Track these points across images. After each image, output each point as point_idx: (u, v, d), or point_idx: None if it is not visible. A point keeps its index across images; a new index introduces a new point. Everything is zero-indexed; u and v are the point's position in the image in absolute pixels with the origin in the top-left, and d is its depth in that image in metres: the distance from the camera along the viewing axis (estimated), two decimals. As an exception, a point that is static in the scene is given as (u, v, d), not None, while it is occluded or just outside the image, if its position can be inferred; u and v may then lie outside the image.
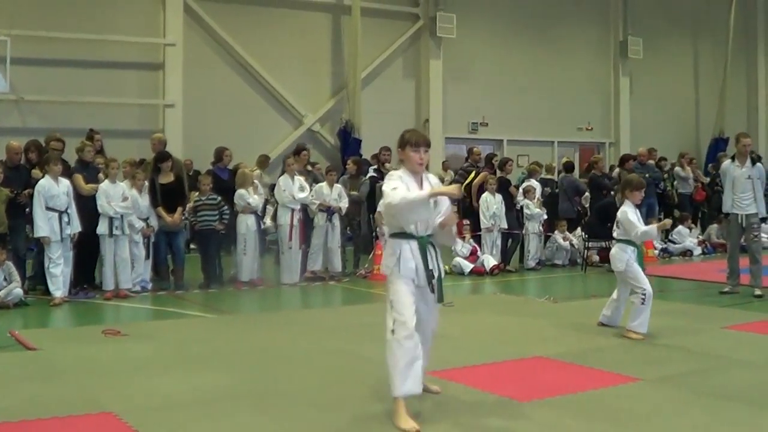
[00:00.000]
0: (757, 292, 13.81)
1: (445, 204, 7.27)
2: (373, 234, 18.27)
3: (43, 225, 13.50)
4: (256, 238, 15.82)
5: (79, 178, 14.67)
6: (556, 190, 21.02)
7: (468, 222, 18.18)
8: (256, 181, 16.59)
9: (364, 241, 18.38)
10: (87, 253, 14.74)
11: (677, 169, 24.28)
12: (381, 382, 7.66)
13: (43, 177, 13.86)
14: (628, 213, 10.63)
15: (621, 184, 12.04)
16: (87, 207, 14.27)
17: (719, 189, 23.67)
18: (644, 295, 10.36)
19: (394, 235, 7.22)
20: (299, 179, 16.17)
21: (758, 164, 14.46)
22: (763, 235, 22.08)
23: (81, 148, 15.31)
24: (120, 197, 14.45)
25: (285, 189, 16.04)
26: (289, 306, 14.26)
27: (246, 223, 15.80)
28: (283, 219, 16.07)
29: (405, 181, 7.07)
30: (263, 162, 21.05)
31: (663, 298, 13.19)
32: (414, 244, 7.08)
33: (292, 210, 15.96)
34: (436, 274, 7.14)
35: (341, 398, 7.62)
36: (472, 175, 19.71)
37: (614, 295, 11.02)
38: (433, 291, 7.12)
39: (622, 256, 10.60)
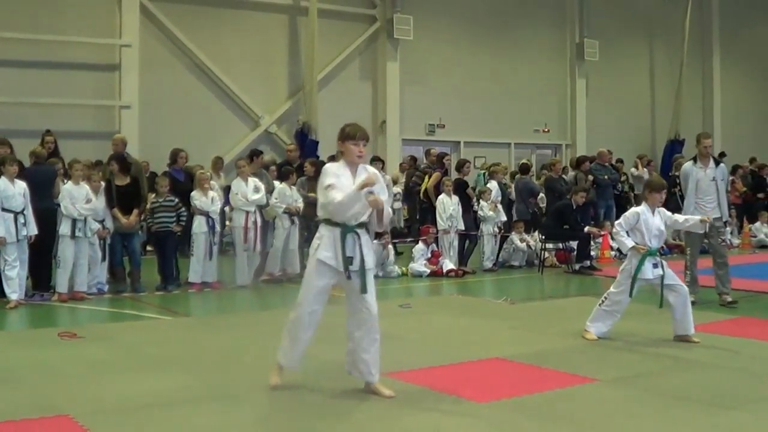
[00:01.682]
0: (729, 299, 13.45)
1: (382, 193, 7.66)
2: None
3: (-1, 226, 13.41)
4: (207, 240, 15.74)
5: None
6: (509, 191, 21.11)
7: (434, 230, 18.15)
8: (213, 183, 16.51)
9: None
10: (41, 255, 14.63)
11: (632, 169, 24.44)
12: (339, 384, 7.69)
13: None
14: (628, 217, 10.53)
15: (643, 186, 11.60)
16: (42, 208, 14.15)
17: (676, 191, 23.89)
18: (609, 301, 10.36)
19: (322, 221, 7.73)
20: (253, 180, 16.13)
21: (721, 165, 14.13)
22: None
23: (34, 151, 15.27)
24: (84, 199, 14.35)
25: (237, 192, 16.01)
26: (247, 308, 14.24)
27: (196, 225, 15.77)
28: (237, 221, 16.05)
29: (340, 173, 7.64)
30: (216, 164, 21.04)
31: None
32: (338, 232, 7.57)
33: (247, 212, 15.91)
34: (357, 263, 7.57)
35: (297, 399, 7.64)
36: (427, 177, 19.82)
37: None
38: (349, 278, 7.57)
39: (630, 261, 10.45)
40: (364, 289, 7.68)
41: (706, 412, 7.28)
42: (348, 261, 7.53)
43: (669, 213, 10.66)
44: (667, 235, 21.88)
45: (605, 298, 10.45)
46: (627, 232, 10.42)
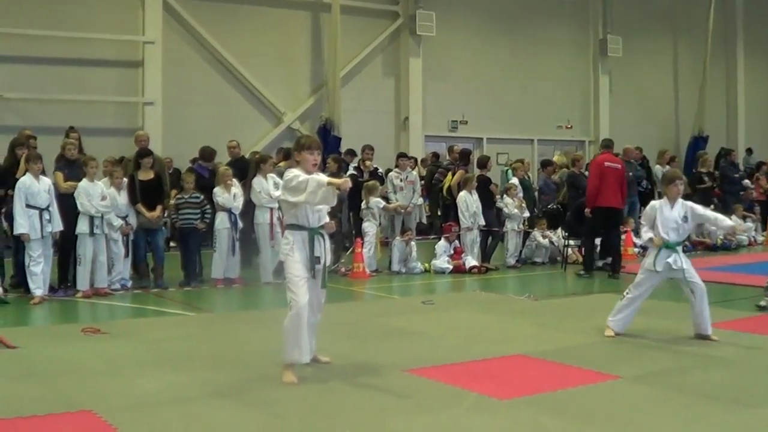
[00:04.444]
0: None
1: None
2: (353, 231, 18.31)
3: (23, 222, 13.43)
4: (229, 236, 15.75)
5: (59, 175, 14.63)
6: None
7: (456, 227, 18.13)
8: (236, 180, 16.53)
9: (343, 239, 18.38)
10: (65, 251, 14.70)
11: (657, 167, 24.31)
12: (358, 379, 7.71)
13: (23, 174, 13.83)
14: (647, 211, 10.57)
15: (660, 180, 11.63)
16: (65, 206, 14.20)
17: (702, 186, 23.80)
18: (630, 296, 10.34)
19: (289, 226, 8.44)
20: (272, 177, 16.10)
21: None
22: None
23: (63, 146, 15.29)
24: (99, 196, 14.38)
25: (260, 190, 15.99)
26: (269, 304, 14.21)
27: (218, 221, 15.78)
28: (261, 218, 16.02)
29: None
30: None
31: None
32: (305, 234, 8.34)
33: (271, 209, 15.90)
34: (322, 261, 8.42)
35: (316, 395, 7.67)
36: (450, 174, 19.79)
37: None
38: (314, 277, 8.31)
39: (648, 253, 10.47)
40: (324, 284, 8.59)
41: (729, 409, 7.24)
42: (315, 261, 8.33)
43: (699, 208, 10.55)
44: (692, 231, 21.85)
45: (627, 292, 10.42)
46: (650, 226, 10.41)
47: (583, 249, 18.42)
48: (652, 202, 10.60)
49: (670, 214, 10.28)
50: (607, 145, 18.27)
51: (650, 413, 7.09)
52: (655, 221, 10.30)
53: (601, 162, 17.48)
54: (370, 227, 17.63)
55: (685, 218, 10.33)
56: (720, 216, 10.95)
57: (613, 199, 17.15)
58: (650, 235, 10.29)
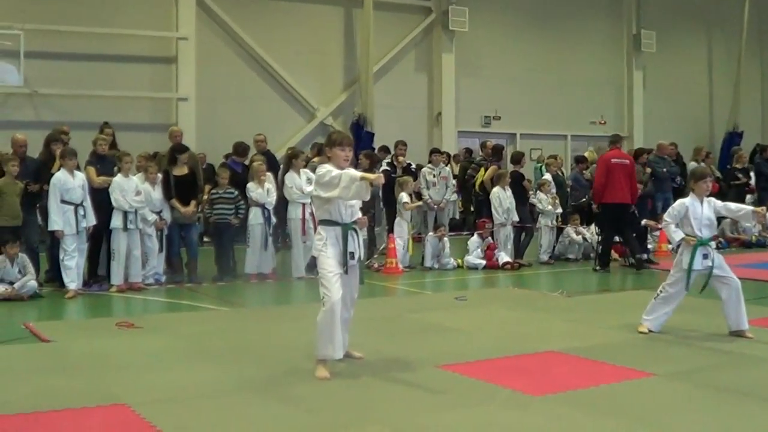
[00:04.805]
0: None
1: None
2: (387, 227, 18.30)
3: (57, 219, 13.53)
4: (263, 231, 15.77)
5: (91, 170, 14.69)
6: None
7: (490, 224, 18.07)
8: (270, 175, 16.54)
9: (376, 235, 18.39)
10: (96, 245, 14.78)
11: (692, 164, 24.14)
12: (391, 375, 7.71)
13: (58, 170, 13.91)
14: (675, 208, 10.44)
15: (689, 176, 11.51)
16: (97, 201, 14.28)
17: (736, 183, 23.66)
18: (664, 293, 10.28)
19: (322, 222, 8.46)
20: (305, 172, 16.09)
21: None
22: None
23: (95, 141, 15.37)
24: (133, 191, 14.44)
25: (292, 185, 15.99)
26: (301, 299, 14.26)
27: (252, 216, 15.81)
28: (294, 213, 16.04)
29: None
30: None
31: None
32: (339, 230, 8.33)
33: (303, 204, 15.90)
34: (356, 257, 8.42)
35: (348, 390, 7.70)
36: (482, 170, 19.76)
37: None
38: (347, 272, 8.28)
39: (682, 253, 10.31)
40: (362, 280, 8.69)
41: (765, 408, 7.20)
42: (349, 256, 8.31)
43: (719, 203, 10.50)
44: (726, 229, 21.76)
45: (660, 290, 10.37)
46: (677, 225, 10.34)
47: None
48: (681, 200, 10.49)
49: (701, 212, 10.24)
50: (615, 141, 18.30)
51: (684, 411, 7.06)
52: (685, 219, 10.26)
53: (607, 158, 17.62)
54: (400, 223, 17.64)
55: (715, 214, 10.32)
56: (741, 205, 10.87)
57: (621, 195, 17.26)
58: (681, 234, 10.24)
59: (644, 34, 32.78)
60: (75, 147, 14.69)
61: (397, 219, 17.74)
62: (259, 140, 18.91)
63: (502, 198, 17.77)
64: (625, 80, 33.42)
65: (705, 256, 10.08)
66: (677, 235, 10.26)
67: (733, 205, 10.73)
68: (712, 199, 10.52)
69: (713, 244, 10.29)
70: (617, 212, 17.34)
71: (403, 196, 17.73)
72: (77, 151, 14.38)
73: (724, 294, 10.13)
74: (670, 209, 10.55)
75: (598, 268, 17.34)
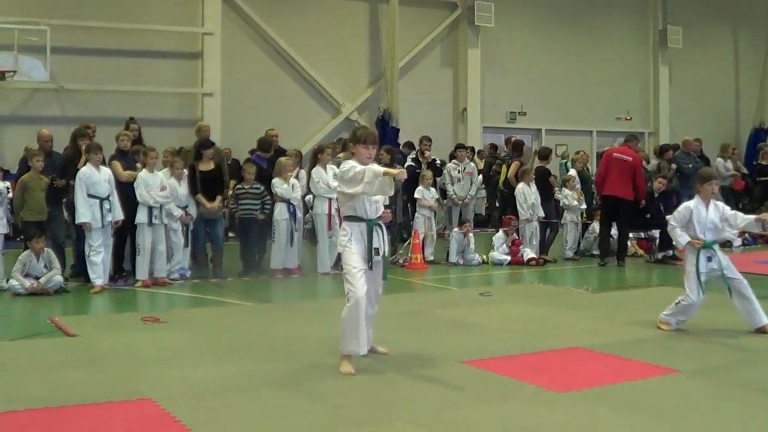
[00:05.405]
0: None
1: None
2: (411, 222, 18.30)
3: (85, 211, 13.55)
4: (288, 227, 15.79)
5: (117, 165, 14.71)
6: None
7: (515, 221, 18.03)
8: (301, 171, 16.55)
9: (400, 230, 18.38)
10: (120, 240, 14.82)
11: (719, 160, 24.03)
12: (413, 371, 7.71)
13: (84, 165, 13.95)
14: (680, 212, 10.41)
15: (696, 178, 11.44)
16: (122, 196, 14.32)
17: (762, 179, 23.55)
18: (685, 301, 10.23)
19: (347, 218, 8.45)
20: (332, 168, 16.10)
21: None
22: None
23: (118, 137, 15.41)
24: (158, 186, 14.48)
25: (318, 180, 16.00)
26: (326, 295, 14.27)
27: (277, 212, 15.82)
28: (320, 208, 16.06)
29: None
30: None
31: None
32: (363, 226, 8.34)
33: (329, 199, 15.91)
34: (381, 253, 8.44)
35: (372, 385, 7.72)
36: (504, 167, 19.76)
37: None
38: (371, 269, 8.29)
39: (687, 257, 10.36)
40: (385, 276, 8.80)
41: (789, 405, 7.18)
42: (374, 252, 8.33)
43: (728, 209, 10.48)
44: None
45: (682, 299, 10.27)
46: (682, 228, 10.31)
47: (640, 242, 18.39)
48: (686, 204, 10.48)
49: (706, 215, 10.22)
50: (628, 139, 18.48)
51: (709, 408, 7.04)
52: (689, 223, 10.24)
53: (610, 153, 18.21)
54: (417, 218, 17.65)
55: (722, 218, 10.27)
56: (743, 216, 10.74)
57: (617, 189, 17.40)
58: (687, 237, 10.21)
59: (670, 29, 32.71)
60: (101, 142, 14.71)
61: (417, 214, 17.75)
62: (272, 135, 18.71)
63: (526, 194, 17.74)
64: (651, 76, 33.36)
65: (709, 259, 10.08)
66: (683, 238, 10.24)
67: (739, 217, 10.61)
68: (721, 204, 10.55)
69: (716, 246, 10.26)
70: (613, 205, 17.54)
71: (417, 192, 17.71)
72: (102, 147, 14.43)
73: (727, 295, 10.17)
74: (675, 213, 10.50)
75: (600, 261, 17.49)
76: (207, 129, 17.04)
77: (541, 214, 17.98)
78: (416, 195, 17.64)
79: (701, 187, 10.37)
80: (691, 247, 10.19)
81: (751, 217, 10.61)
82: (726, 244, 20.69)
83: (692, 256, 10.18)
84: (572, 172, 19.68)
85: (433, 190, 18.01)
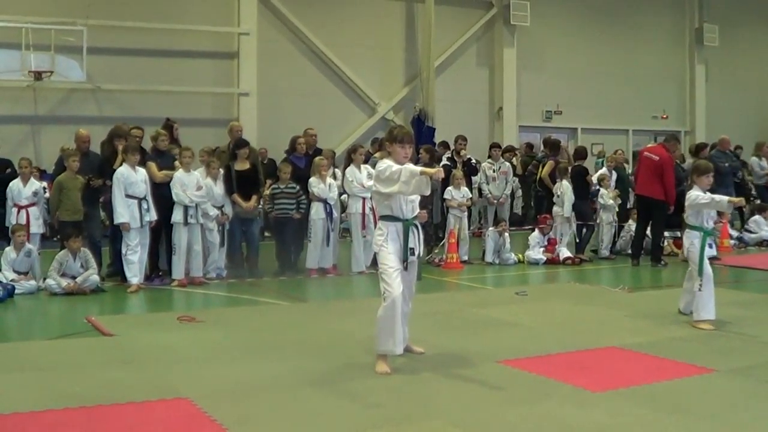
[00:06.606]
0: None
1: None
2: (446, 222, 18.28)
3: (123, 211, 13.62)
4: (324, 226, 15.80)
5: (152, 165, 14.76)
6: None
7: (551, 219, 17.98)
8: (336, 170, 16.58)
9: (436, 230, 18.36)
10: (156, 240, 14.87)
11: (753, 159, 23.85)
12: (450, 370, 7.70)
13: (121, 165, 14.02)
14: (691, 194, 10.61)
15: (690, 171, 11.68)
16: (157, 195, 14.38)
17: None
18: (704, 285, 10.22)
19: (383, 218, 8.44)
20: (366, 168, 16.12)
21: None
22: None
23: (155, 137, 15.46)
24: (194, 186, 14.52)
25: (353, 179, 16.01)
26: (361, 294, 14.26)
27: (314, 211, 15.83)
28: (354, 208, 16.09)
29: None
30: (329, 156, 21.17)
31: (738, 288, 13.11)
32: (399, 225, 8.33)
33: (363, 199, 15.92)
34: (416, 253, 8.44)
35: (408, 385, 7.71)
36: (541, 166, 19.72)
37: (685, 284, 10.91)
38: (406, 269, 8.30)
39: (686, 242, 10.62)
40: (420, 276, 8.80)
41: (828, 404, 7.14)
42: (410, 252, 8.33)
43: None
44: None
45: (700, 286, 10.29)
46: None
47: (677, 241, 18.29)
48: (695, 192, 10.69)
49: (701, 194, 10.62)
50: (667, 139, 18.34)
51: (747, 407, 7.01)
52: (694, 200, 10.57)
53: (642, 151, 18.22)
54: (448, 218, 17.63)
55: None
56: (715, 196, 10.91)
57: (645, 188, 17.32)
58: (724, 196, 10.75)
59: (707, 28, 32.57)
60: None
61: (448, 215, 17.73)
62: (311, 134, 18.58)
63: (563, 193, 17.70)
64: (687, 74, 33.24)
65: (710, 246, 10.35)
66: (719, 197, 10.61)
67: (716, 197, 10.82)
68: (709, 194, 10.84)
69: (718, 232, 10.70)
70: (645, 204, 17.44)
71: (446, 192, 17.66)
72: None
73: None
74: (694, 195, 10.57)
75: (632, 261, 17.42)
76: (239, 129, 17.08)
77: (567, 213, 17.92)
78: (445, 195, 17.59)
79: (698, 179, 10.74)
80: (692, 231, 10.55)
81: (724, 198, 10.95)
82: (763, 243, 20.57)
83: (696, 242, 10.43)
84: (603, 170, 19.61)
85: (464, 189, 17.91)
